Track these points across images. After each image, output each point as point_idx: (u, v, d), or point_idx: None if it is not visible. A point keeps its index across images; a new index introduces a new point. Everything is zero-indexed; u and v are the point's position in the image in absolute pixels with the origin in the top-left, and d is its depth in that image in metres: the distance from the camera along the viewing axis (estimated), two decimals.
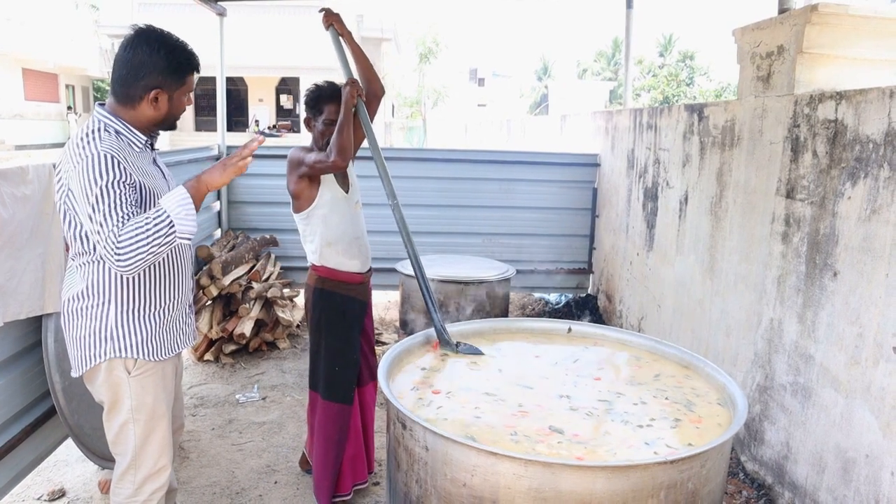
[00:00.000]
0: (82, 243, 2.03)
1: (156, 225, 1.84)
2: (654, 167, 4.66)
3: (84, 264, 2.07)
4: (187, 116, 31.35)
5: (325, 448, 2.88)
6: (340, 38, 2.91)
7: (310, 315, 2.92)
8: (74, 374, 2.14)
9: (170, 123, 2.15)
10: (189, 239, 1.93)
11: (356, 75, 2.87)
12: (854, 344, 2.51)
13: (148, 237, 1.83)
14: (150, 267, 2.08)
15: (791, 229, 2.95)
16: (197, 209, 1.93)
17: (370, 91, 2.93)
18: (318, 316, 2.87)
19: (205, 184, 1.99)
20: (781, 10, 3.29)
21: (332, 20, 2.90)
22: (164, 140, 24.89)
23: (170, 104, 2.09)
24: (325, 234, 2.81)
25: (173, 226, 1.87)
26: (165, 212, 1.87)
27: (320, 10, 2.92)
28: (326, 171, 2.75)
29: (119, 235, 1.82)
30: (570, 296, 6.30)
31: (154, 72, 2.01)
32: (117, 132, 2.02)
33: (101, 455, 2.80)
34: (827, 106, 2.72)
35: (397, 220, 2.66)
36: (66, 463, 3.32)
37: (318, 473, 2.92)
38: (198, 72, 2.13)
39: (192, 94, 2.17)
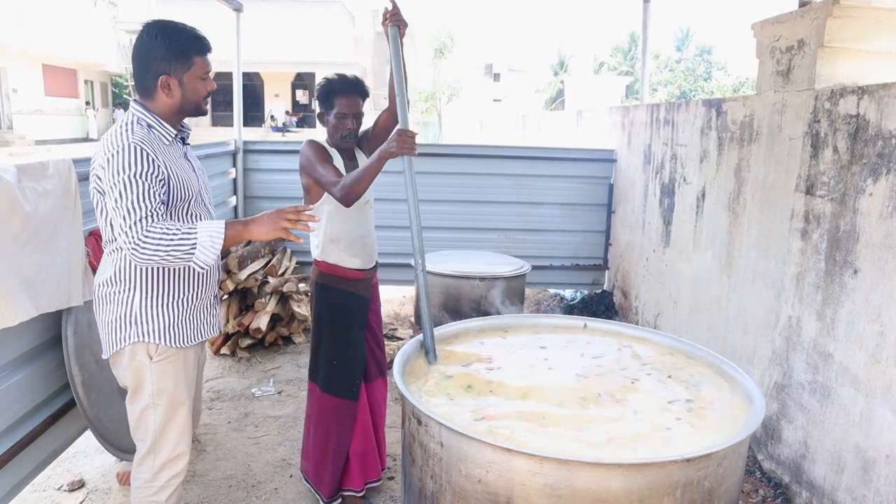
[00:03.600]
0: (112, 230, 2.09)
1: (181, 240, 1.93)
2: (671, 163, 4.62)
3: (113, 251, 2.14)
4: None
5: (324, 440, 2.85)
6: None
7: (312, 308, 2.92)
8: (104, 356, 2.23)
9: (191, 109, 2.19)
10: (202, 268, 2.00)
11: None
12: (875, 342, 2.48)
13: (169, 247, 1.92)
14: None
15: (810, 226, 2.92)
16: (228, 246, 2.02)
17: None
18: (318, 310, 2.87)
19: (249, 233, 2.06)
20: (802, 4, 3.24)
21: (399, 21, 2.55)
22: None
23: (182, 89, 2.13)
24: (329, 230, 2.79)
25: (194, 249, 1.95)
26: (195, 235, 1.95)
27: (387, 8, 2.57)
28: (329, 194, 2.67)
29: (147, 230, 1.92)
30: (586, 292, 6.27)
31: (157, 59, 2.09)
32: (149, 126, 2.11)
33: (119, 447, 2.83)
34: (848, 101, 2.69)
35: (420, 285, 2.40)
36: (86, 454, 3.36)
37: (317, 465, 2.90)
38: (205, 53, 2.15)
39: (210, 79, 2.19)
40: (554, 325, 2.77)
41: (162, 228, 1.93)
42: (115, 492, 3.08)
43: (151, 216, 1.95)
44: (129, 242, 1.92)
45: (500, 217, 5.96)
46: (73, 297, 2.61)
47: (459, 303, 4.44)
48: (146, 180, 1.97)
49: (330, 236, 2.80)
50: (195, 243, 1.94)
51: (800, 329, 2.98)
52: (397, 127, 2.53)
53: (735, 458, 1.82)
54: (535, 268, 5.30)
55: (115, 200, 1.95)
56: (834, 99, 2.78)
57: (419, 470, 1.94)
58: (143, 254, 1.92)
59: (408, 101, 2.57)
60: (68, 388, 2.67)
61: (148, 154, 2.00)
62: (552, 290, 6.59)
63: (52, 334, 2.65)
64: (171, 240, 1.92)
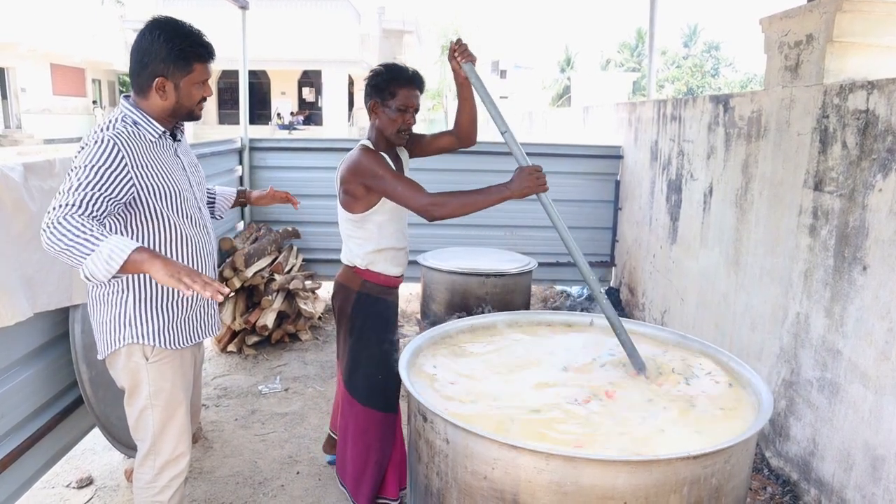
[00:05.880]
0: None
1: (83, 241, 1.74)
2: (678, 159, 4.60)
3: None
4: (210, 109, 31.66)
5: (364, 454, 2.78)
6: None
7: (346, 318, 2.74)
8: (99, 356, 2.21)
9: (185, 114, 2.14)
10: (88, 280, 1.78)
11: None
12: (884, 339, 2.46)
13: (71, 242, 1.74)
14: (170, 257, 2.12)
15: (819, 222, 2.89)
16: (126, 271, 1.78)
17: (465, 143, 2.78)
18: (360, 322, 2.72)
19: (152, 266, 1.79)
20: None
21: (471, 57, 2.45)
22: (188, 133, 25.18)
23: (177, 93, 2.08)
24: (379, 241, 2.66)
25: (85, 258, 1.74)
26: (98, 245, 1.75)
27: (454, 43, 2.45)
28: (405, 206, 2.49)
29: (65, 217, 1.76)
30: None
31: (156, 60, 2.03)
32: (135, 122, 2.06)
33: (127, 444, 2.84)
34: (858, 96, 2.66)
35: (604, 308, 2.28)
36: (94, 451, 3.38)
37: (356, 478, 2.82)
38: (206, 61, 2.10)
39: (208, 85, 2.15)
40: (560, 321, 2.77)
41: (79, 223, 1.76)
42: (122, 489, 3.09)
43: (81, 207, 1.80)
44: (44, 222, 1.76)
45: (507, 213, 5.93)
46: (74, 296, 2.61)
47: (465, 299, 4.43)
48: (102, 175, 1.86)
49: (378, 247, 2.67)
50: (90, 252, 1.74)
51: (808, 326, 2.96)
52: (519, 165, 2.33)
53: (743, 455, 1.81)
54: (541, 264, 5.29)
55: (67, 179, 1.85)
56: (843, 94, 2.76)
57: (425, 467, 1.94)
58: (48, 238, 1.74)
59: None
60: (76, 385, 2.68)
61: (118, 151, 1.92)
62: (558, 287, 6.58)
63: (60, 332, 2.66)
64: (76, 237, 1.73)
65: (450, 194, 2.39)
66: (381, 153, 2.60)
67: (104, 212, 1.87)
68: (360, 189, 2.56)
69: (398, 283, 2.83)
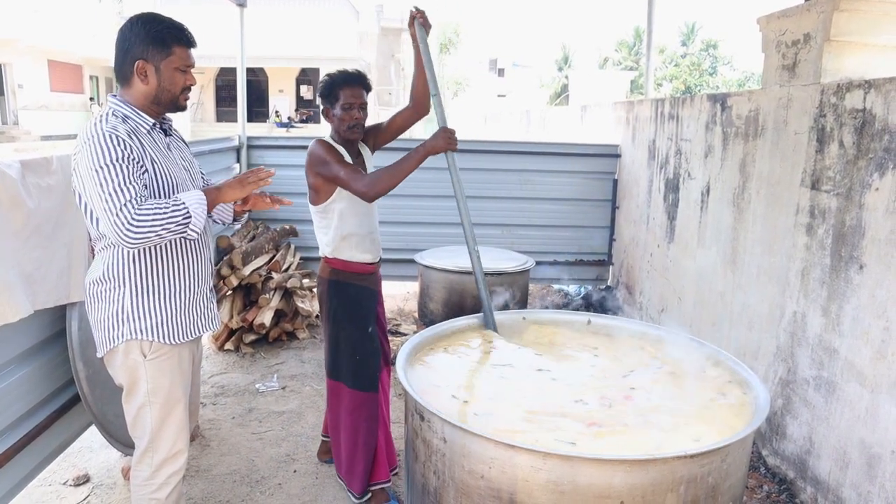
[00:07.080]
0: (97, 227, 2.07)
1: (173, 212, 1.93)
2: (676, 158, 4.60)
3: (102, 249, 2.12)
4: (208, 107, 31.60)
5: (354, 437, 2.87)
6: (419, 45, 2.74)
7: (325, 307, 2.91)
8: (98, 354, 2.21)
9: (168, 101, 2.14)
10: (195, 235, 2.02)
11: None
12: (880, 338, 2.47)
13: (164, 220, 1.90)
14: (166, 252, 2.13)
15: (816, 221, 2.90)
16: (208, 213, 2.03)
17: (421, 110, 2.91)
18: (334, 308, 2.87)
19: (224, 195, 2.11)
20: None
21: (428, 25, 2.73)
22: (185, 131, 25.13)
23: (158, 76, 2.09)
24: (340, 228, 2.80)
25: (189, 216, 1.95)
26: (184, 204, 1.96)
27: (416, 9, 2.71)
28: (348, 190, 2.68)
29: (138, 210, 1.88)
30: (590, 287, 6.26)
31: (135, 44, 2.06)
32: (125, 116, 2.07)
33: (123, 442, 2.84)
34: (855, 95, 2.67)
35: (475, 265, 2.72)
36: (91, 449, 3.38)
37: (348, 462, 2.90)
38: (186, 45, 2.12)
39: (191, 73, 2.17)
40: (558, 320, 2.77)
41: (152, 205, 1.91)
42: (119, 486, 3.09)
43: (137, 198, 1.91)
44: (122, 226, 1.86)
45: (504, 212, 5.94)
46: (73, 293, 2.61)
47: (463, 298, 4.43)
48: (125, 163, 1.93)
49: (341, 234, 2.81)
50: (188, 211, 1.95)
51: (805, 325, 2.97)
52: (439, 126, 2.63)
53: (739, 454, 1.81)
54: (538, 263, 5.30)
55: (100, 186, 1.90)
56: (840, 93, 2.76)
57: (422, 466, 1.94)
58: (137, 233, 1.87)
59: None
60: (73, 383, 2.67)
61: (122, 140, 1.96)
62: (556, 286, 6.58)
63: (57, 329, 2.65)
64: (164, 214, 1.91)
65: (380, 171, 2.62)
66: (335, 145, 2.78)
67: (146, 197, 1.97)
68: (319, 179, 2.74)
69: (369, 269, 2.92)
